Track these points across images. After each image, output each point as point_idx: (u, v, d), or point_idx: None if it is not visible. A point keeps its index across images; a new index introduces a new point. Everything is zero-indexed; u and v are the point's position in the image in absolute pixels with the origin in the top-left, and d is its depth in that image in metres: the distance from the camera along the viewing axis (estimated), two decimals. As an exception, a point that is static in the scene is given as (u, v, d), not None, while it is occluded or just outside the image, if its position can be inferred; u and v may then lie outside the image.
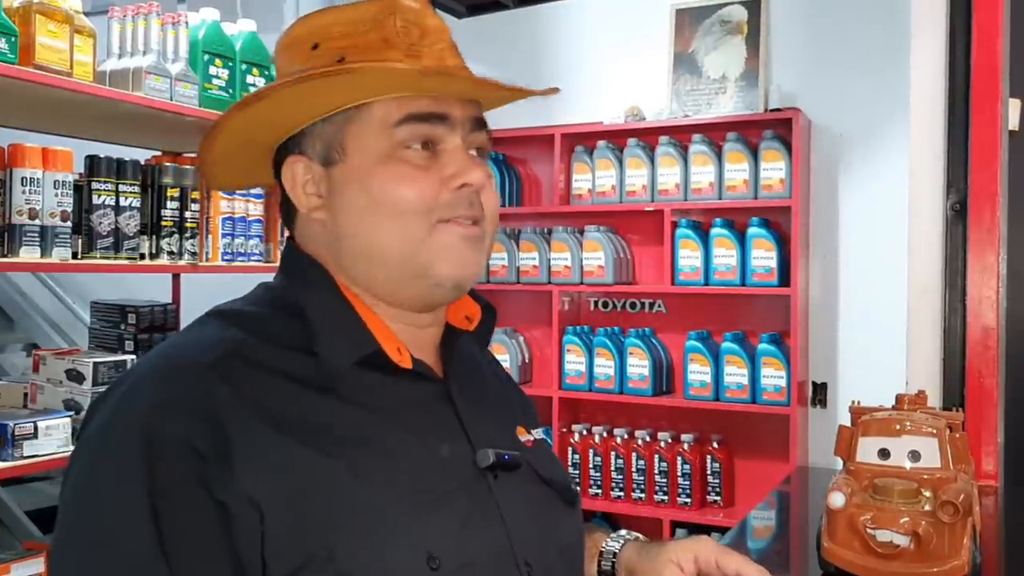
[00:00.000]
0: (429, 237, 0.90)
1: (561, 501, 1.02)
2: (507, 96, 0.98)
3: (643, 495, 3.84)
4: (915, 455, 1.31)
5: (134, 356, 2.59)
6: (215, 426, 0.80)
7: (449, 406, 0.95)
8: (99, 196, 2.34)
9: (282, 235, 2.76)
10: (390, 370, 0.91)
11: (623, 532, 1.11)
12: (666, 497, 3.79)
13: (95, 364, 2.35)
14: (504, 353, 4.09)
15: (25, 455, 2.12)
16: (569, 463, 3.97)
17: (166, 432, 0.80)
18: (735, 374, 3.67)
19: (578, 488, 1.12)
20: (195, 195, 2.58)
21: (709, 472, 3.79)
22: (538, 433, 1.05)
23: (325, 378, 0.87)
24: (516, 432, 1.02)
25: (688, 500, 3.75)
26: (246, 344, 0.87)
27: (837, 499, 1.28)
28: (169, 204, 2.52)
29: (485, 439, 0.94)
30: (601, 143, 3.96)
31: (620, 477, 3.89)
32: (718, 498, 3.77)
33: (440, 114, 0.91)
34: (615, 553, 1.08)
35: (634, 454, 3.86)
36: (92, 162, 2.37)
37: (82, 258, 2.33)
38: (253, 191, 2.74)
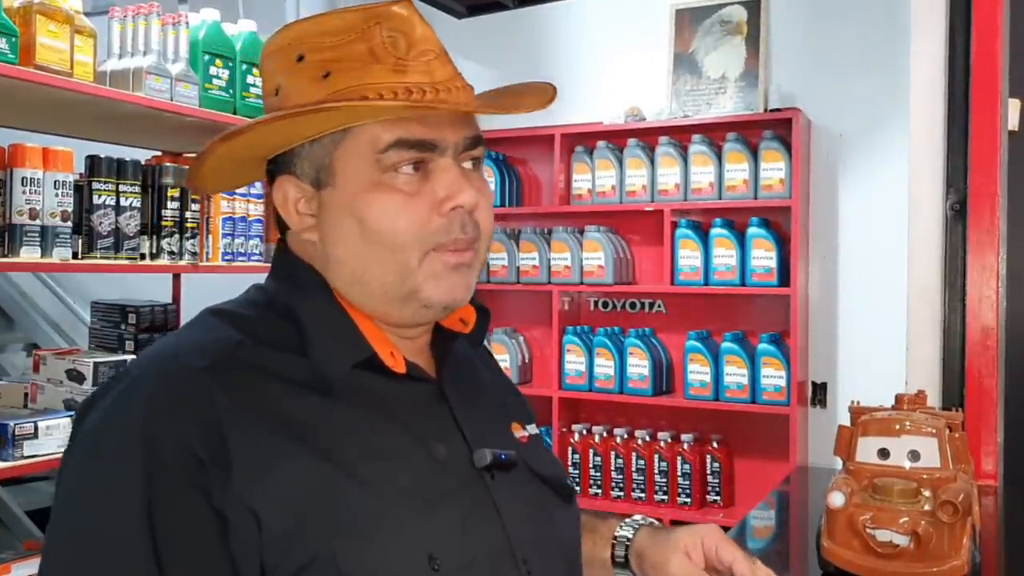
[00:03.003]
0: (419, 266, 0.89)
1: (557, 497, 1.02)
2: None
3: (643, 495, 3.84)
4: (915, 455, 1.31)
5: (134, 356, 2.59)
6: (214, 431, 0.80)
7: (444, 406, 0.95)
8: (99, 196, 2.34)
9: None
10: (385, 372, 0.91)
11: (637, 518, 1.12)
12: (666, 497, 3.79)
13: (95, 364, 2.35)
14: (504, 353, 4.09)
15: (25, 455, 2.12)
16: (569, 463, 3.97)
17: (165, 438, 0.79)
18: (735, 374, 3.67)
19: (576, 486, 1.13)
20: (195, 195, 2.58)
21: (709, 472, 3.79)
22: (532, 429, 1.05)
23: (320, 381, 0.87)
24: (511, 429, 1.02)
25: (688, 500, 3.75)
26: (242, 346, 0.87)
27: (837, 499, 1.28)
28: (169, 204, 2.52)
29: (481, 438, 0.94)
30: (601, 143, 3.96)
31: (620, 477, 3.89)
32: (718, 498, 3.77)
33: (430, 142, 0.88)
34: (629, 539, 1.09)
35: (634, 454, 3.86)
36: (92, 162, 2.37)
37: (82, 258, 2.33)
38: (253, 191, 2.75)
